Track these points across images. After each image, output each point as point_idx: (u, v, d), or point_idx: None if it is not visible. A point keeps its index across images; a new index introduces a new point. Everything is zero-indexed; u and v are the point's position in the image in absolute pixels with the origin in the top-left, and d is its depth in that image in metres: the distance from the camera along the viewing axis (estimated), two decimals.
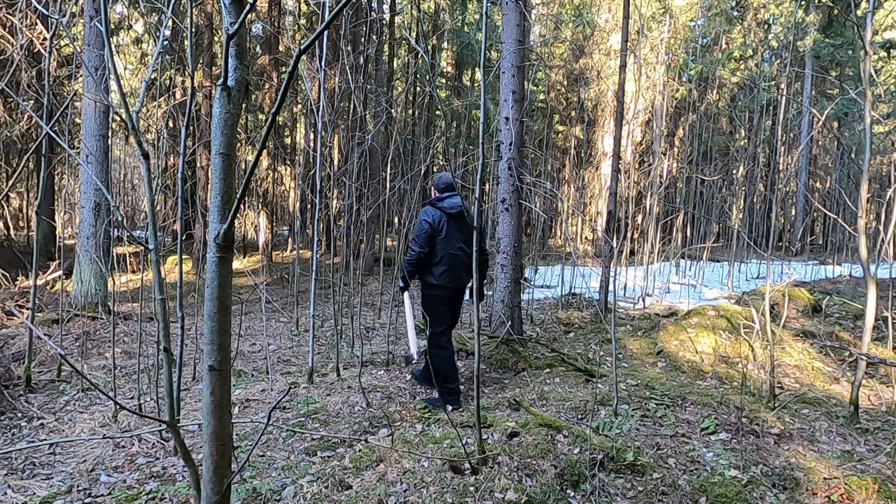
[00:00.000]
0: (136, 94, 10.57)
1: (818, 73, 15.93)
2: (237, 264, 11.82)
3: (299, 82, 9.93)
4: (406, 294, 4.11)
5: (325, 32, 3.46)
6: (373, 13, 11.77)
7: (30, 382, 4.15)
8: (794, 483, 2.72)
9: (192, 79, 1.85)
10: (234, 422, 3.24)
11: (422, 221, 3.87)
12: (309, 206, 12.82)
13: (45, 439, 3.29)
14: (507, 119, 5.05)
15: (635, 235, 14.81)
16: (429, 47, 15.60)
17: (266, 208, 13.80)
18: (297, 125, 15.34)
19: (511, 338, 5.03)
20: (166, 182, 11.82)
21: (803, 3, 14.60)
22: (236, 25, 1.30)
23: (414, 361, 4.16)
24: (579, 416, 3.57)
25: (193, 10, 4.19)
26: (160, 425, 3.19)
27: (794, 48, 14.28)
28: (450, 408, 3.75)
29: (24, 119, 9.25)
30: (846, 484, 2.64)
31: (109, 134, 6.95)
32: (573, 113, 17.02)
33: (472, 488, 2.57)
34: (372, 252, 11.46)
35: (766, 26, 17.89)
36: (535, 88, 16.77)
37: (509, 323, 5.06)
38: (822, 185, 19.35)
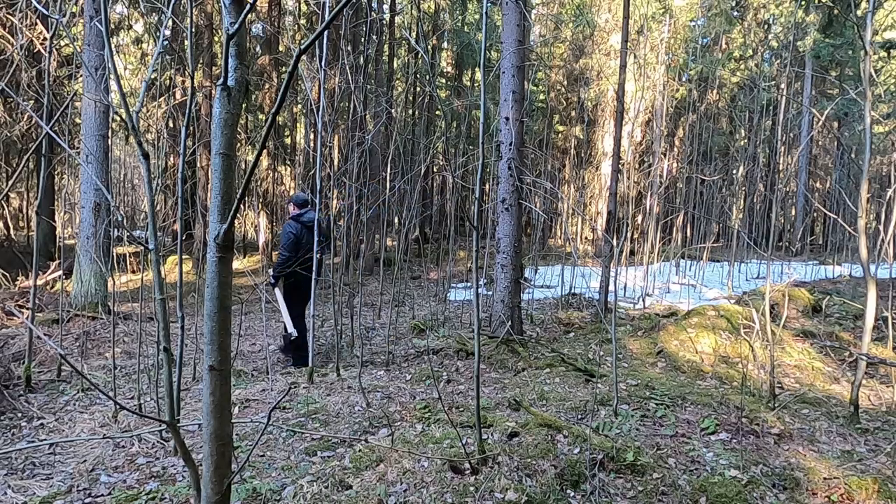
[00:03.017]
0: (136, 94, 10.57)
1: (818, 73, 15.92)
2: (237, 264, 11.82)
3: (299, 82, 9.93)
4: (276, 289, 5.01)
5: (325, 32, 3.46)
6: (373, 13, 11.77)
7: (30, 382, 4.15)
8: (794, 483, 2.72)
9: (192, 79, 1.85)
10: (234, 422, 3.24)
11: (288, 233, 4.89)
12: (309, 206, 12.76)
13: (45, 439, 3.29)
14: (507, 119, 5.05)
15: (635, 235, 14.81)
16: (429, 47, 15.60)
17: (266, 208, 13.80)
18: (297, 125, 15.33)
19: (511, 338, 5.03)
20: (166, 182, 11.82)
21: (803, 3, 14.60)
22: (236, 25, 1.30)
23: (293, 337, 4.91)
24: (579, 416, 3.57)
25: (193, 10, 4.19)
26: (160, 425, 3.19)
27: (794, 48, 14.27)
28: (302, 367, 4.75)
29: (24, 119, 9.25)
30: (846, 484, 2.64)
31: (109, 134, 6.94)
32: (573, 113, 17.01)
33: (472, 488, 2.57)
34: (372, 252, 11.46)
35: (766, 26, 17.88)
36: (535, 88, 16.77)
37: (509, 323, 5.06)
38: (822, 185, 19.35)
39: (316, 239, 4.48)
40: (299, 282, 4.96)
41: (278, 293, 5.00)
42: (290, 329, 4.87)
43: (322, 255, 4.87)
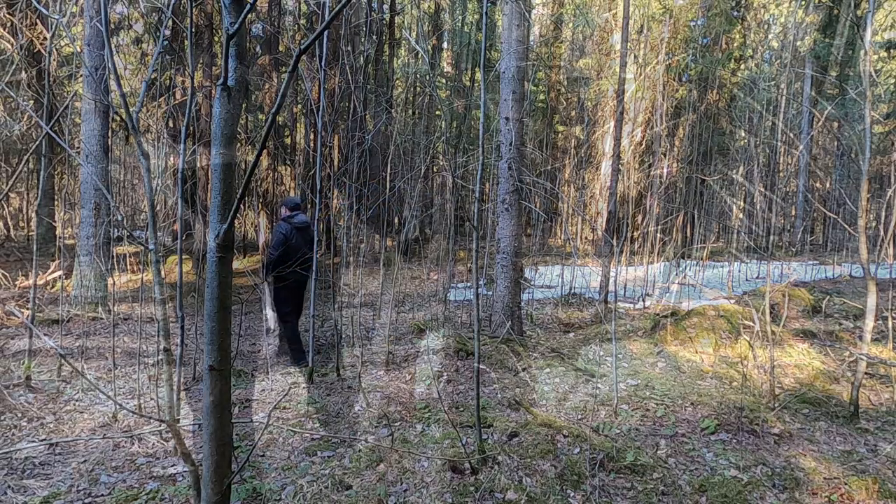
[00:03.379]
0: (136, 94, 10.56)
1: (818, 73, 15.92)
2: (237, 264, 11.82)
3: (299, 82, 9.93)
4: (265, 285, 5.15)
5: (325, 32, 3.47)
6: (373, 13, 11.77)
7: (30, 382, 4.15)
8: (794, 483, 2.72)
9: (192, 79, 1.85)
10: (234, 422, 3.24)
11: (278, 233, 4.94)
12: (309, 205, 12.79)
13: (45, 439, 3.29)
14: (507, 119, 5.04)
15: (635, 235, 14.81)
16: (429, 47, 15.60)
17: (266, 208, 13.80)
18: (297, 125, 15.32)
19: (511, 338, 5.03)
20: (166, 182, 11.81)
21: (803, 3, 14.60)
22: (236, 25, 1.30)
23: (273, 332, 5.07)
24: (579, 416, 3.57)
25: (193, 10, 4.19)
26: (160, 425, 3.19)
27: (794, 48, 14.27)
28: (301, 365, 4.80)
29: (24, 119, 9.25)
30: (846, 484, 2.64)
31: (109, 134, 6.94)
32: (573, 113, 17.02)
33: (472, 488, 2.57)
34: (372, 252, 11.46)
35: (766, 26, 17.88)
36: (535, 88, 16.76)
37: (509, 323, 5.06)
38: (822, 185, 19.35)
39: (315, 240, 4.51)
40: (297, 282, 5.08)
41: (266, 289, 5.22)
42: (271, 323, 5.05)
43: (322, 255, 5.07)
